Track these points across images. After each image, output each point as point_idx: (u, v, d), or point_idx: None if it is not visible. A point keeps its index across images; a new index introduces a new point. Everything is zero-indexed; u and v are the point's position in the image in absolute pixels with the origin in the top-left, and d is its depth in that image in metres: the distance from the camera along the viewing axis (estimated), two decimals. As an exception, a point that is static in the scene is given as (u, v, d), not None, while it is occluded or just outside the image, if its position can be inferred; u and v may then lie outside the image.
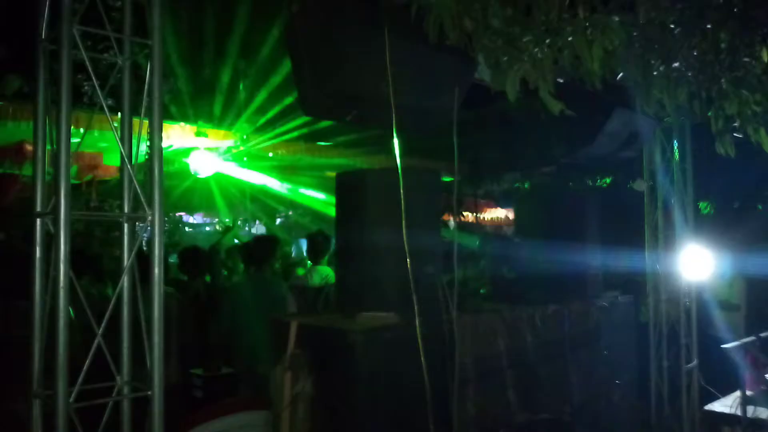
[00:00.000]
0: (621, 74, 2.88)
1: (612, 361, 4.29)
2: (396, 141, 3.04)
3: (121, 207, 2.58)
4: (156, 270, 2.44)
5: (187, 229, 9.02)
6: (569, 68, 2.54)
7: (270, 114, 5.88)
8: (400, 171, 3.02)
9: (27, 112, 4.59)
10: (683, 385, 4.98)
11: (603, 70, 2.67)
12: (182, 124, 5.41)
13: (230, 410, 3.16)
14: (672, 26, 2.91)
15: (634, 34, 2.82)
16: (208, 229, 9.34)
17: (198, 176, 6.15)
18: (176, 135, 5.35)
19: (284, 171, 7.05)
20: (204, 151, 6.01)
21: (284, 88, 5.28)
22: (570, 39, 2.48)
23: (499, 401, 3.48)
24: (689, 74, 3.02)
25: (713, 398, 4.11)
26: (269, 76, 5.44)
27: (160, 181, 2.46)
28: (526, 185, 6.75)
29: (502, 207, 9.17)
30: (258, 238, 5.05)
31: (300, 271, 5.88)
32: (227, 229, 6.41)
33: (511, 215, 8.97)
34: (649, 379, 4.93)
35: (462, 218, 6.83)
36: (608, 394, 4.29)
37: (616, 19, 2.53)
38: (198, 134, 5.74)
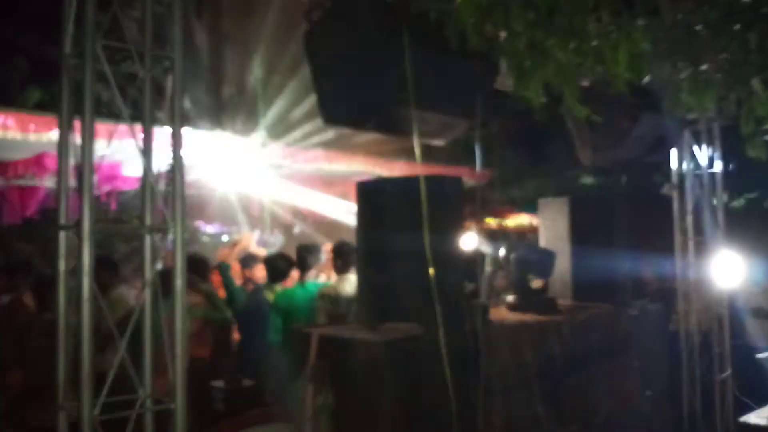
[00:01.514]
0: (648, 77, 2.80)
1: (642, 371, 4.18)
2: (417, 148, 3.01)
3: (140, 218, 2.58)
4: (178, 281, 2.43)
5: (204, 239, 9.06)
6: (594, 72, 2.48)
7: (288, 121, 5.89)
8: (421, 179, 2.98)
9: (46, 124, 4.64)
10: (716, 396, 4.83)
11: (629, 73, 2.61)
12: (203, 132, 5.44)
13: (252, 423, 3.14)
14: (698, 28, 2.83)
15: (660, 36, 2.76)
16: (225, 239, 9.36)
17: (217, 185, 6.17)
18: (194, 144, 5.35)
19: (303, 179, 7.03)
20: (223, 159, 6.02)
21: (303, 95, 5.28)
22: (595, 43, 2.42)
23: (527, 413, 3.40)
24: (718, 76, 2.93)
25: (748, 410, 3.96)
26: (287, 83, 5.45)
27: (182, 193, 2.45)
28: (552, 190, 6.65)
29: (526, 212, 9.05)
30: (304, 246, 4.96)
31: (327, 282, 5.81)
32: (235, 244, 6.21)
33: (534, 221, 8.85)
34: (680, 390, 4.79)
35: (485, 225, 6.76)
36: (638, 405, 4.17)
37: (642, 22, 2.46)
38: (217, 144, 5.76)
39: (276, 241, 7.76)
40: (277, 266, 5.05)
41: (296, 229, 8.40)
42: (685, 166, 5.05)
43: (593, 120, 2.83)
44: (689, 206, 5.03)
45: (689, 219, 5.02)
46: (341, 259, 4.73)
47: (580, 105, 2.48)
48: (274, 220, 7.69)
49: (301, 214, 7.82)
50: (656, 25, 2.61)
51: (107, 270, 4.38)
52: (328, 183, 6.89)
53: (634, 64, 2.58)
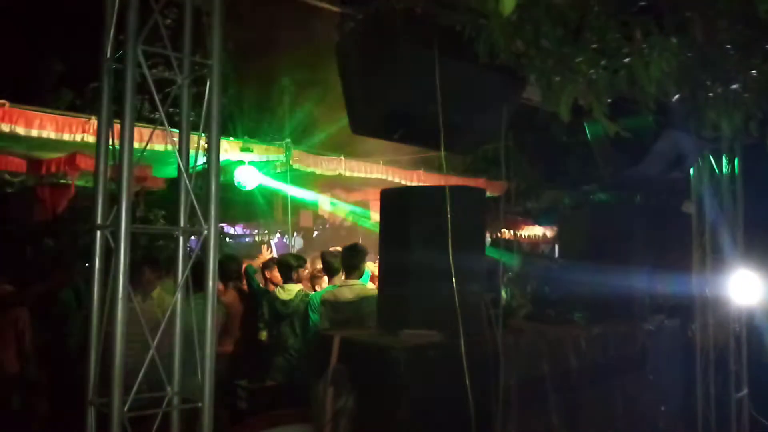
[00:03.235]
0: (677, 96, 2.83)
1: (658, 386, 4.17)
2: (444, 160, 3.06)
3: (166, 218, 2.63)
4: (210, 282, 2.48)
5: (228, 240, 9.17)
6: (625, 90, 2.52)
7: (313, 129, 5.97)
8: (447, 189, 3.03)
9: (79, 125, 4.74)
10: (732, 414, 4.81)
11: (658, 91, 2.64)
12: (231, 139, 5.54)
13: (274, 423, 3.18)
14: (729, 47, 2.86)
15: (689, 55, 2.79)
16: (248, 240, 9.46)
17: (243, 189, 6.26)
18: (222, 149, 5.46)
19: (325, 185, 7.12)
20: (249, 165, 6.14)
21: (328, 104, 5.35)
22: (626, 60, 2.46)
23: (543, 425, 3.42)
24: (746, 95, 2.96)
25: (764, 429, 3.95)
26: (313, 92, 5.53)
27: (216, 195, 2.51)
28: (567, 202, 6.67)
29: (540, 224, 9.07)
30: (349, 247, 4.99)
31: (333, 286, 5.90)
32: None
33: (549, 233, 8.86)
34: (696, 406, 4.78)
35: (501, 235, 6.79)
36: (653, 421, 4.17)
37: (674, 40, 2.50)
38: (243, 149, 5.87)
39: (296, 244, 7.85)
40: (350, 257, 4.99)
41: (315, 233, 8.49)
42: (704, 183, 5.05)
43: (619, 136, 2.87)
44: (708, 223, 5.03)
45: (707, 236, 5.02)
46: (347, 263, 4.75)
47: (610, 121, 2.51)
48: (295, 224, 7.78)
49: (321, 219, 7.91)
50: (688, 42, 2.64)
51: (153, 269, 4.48)
52: (347, 189, 6.97)
53: (664, 82, 2.62)
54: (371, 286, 4.98)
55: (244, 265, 5.56)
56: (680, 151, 4.33)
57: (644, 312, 4.29)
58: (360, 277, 4.81)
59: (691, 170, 5.01)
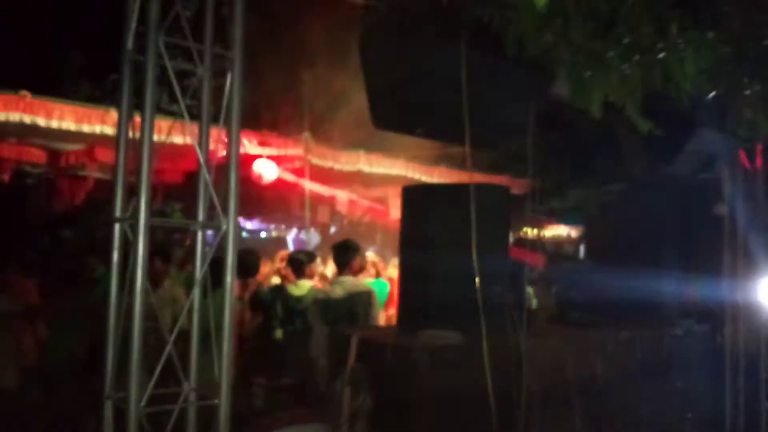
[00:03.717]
0: (712, 93, 2.72)
1: (685, 393, 4.05)
2: (468, 156, 2.98)
3: (183, 211, 2.60)
4: (228, 278, 2.44)
5: (243, 234, 9.19)
6: (659, 86, 2.42)
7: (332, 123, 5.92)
8: (471, 187, 2.95)
9: (99, 117, 4.76)
10: (762, 423, 4.66)
11: (694, 88, 2.54)
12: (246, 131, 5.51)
13: (291, 422, 3.14)
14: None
15: (728, 51, 2.67)
16: (263, 235, 9.46)
17: (261, 183, 6.24)
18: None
19: (342, 180, 7.07)
20: (266, 159, 6.11)
21: (349, 98, 5.30)
22: (661, 56, 2.36)
23: (566, 431, 3.33)
24: (786, 94, 2.84)
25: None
26: (333, 85, 5.47)
27: (236, 190, 2.46)
28: (594, 202, 6.52)
29: (565, 224, 8.90)
30: (341, 244, 4.90)
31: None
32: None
33: (573, 233, 8.70)
34: (724, 415, 4.63)
35: (524, 234, 6.68)
36: (679, 428, 4.05)
37: (711, 35, 2.38)
38: (262, 143, 5.84)
39: (312, 240, 7.82)
40: (342, 253, 4.94)
41: (332, 229, 8.46)
42: (737, 184, 4.89)
43: (651, 133, 2.77)
44: (740, 226, 4.87)
45: (740, 239, 4.86)
46: (339, 260, 4.70)
47: (644, 118, 2.41)
48: (313, 220, 7.76)
49: (338, 215, 7.88)
50: (724, 38, 2.53)
51: (162, 260, 4.50)
52: (367, 185, 6.91)
53: (700, 78, 2.51)
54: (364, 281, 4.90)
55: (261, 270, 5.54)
56: (711, 150, 4.20)
57: (672, 317, 4.17)
58: (356, 273, 4.75)
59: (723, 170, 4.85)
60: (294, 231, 8.74)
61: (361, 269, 4.90)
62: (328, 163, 6.09)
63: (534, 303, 4.15)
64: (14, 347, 4.27)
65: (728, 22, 2.69)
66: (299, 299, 5.00)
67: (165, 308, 4.11)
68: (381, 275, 5.90)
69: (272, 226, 9.03)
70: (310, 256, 5.31)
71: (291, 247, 8.48)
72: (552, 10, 2.60)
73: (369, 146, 6.30)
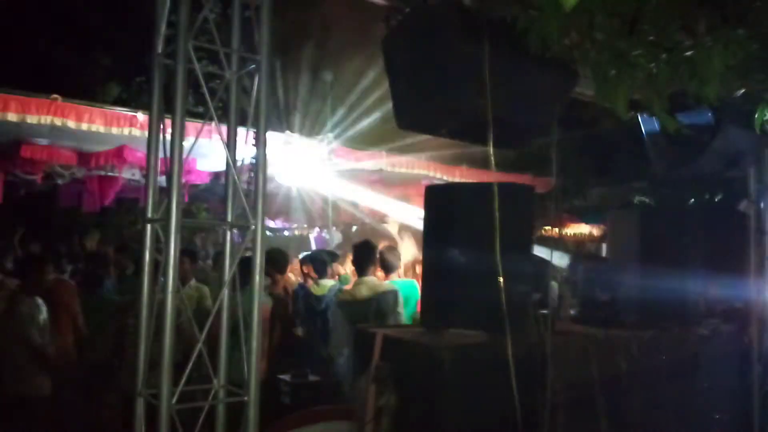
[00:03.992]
0: (742, 91, 2.69)
1: (711, 394, 4.00)
2: (492, 156, 2.99)
3: (207, 210, 2.65)
4: (257, 278, 2.49)
5: (268, 233, 9.29)
6: (687, 85, 2.40)
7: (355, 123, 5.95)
8: (495, 186, 2.96)
9: (127, 119, 4.86)
10: (791, 424, 4.58)
11: (721, 86, 2.51)
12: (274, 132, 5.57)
13: (314, 419, 3.18)
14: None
15: (756, 48, 2.64)
16: (286, 234, 9.53)
17: (283, 183, 6.31)
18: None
19: (364, 180, 7.10)
20: (289, 158, 6.16)
21: (371, 98, 5.33)
22: (688, 54, 2.34)
23: (591, 431, 3.32)
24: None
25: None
26: (356, 86, 5.50)
27: (264, 190, 2.51)
28: (617, 201, 6.48)
29: (587, 222, 8.82)
30: (362, 244, 4.92)
31: (344, 280, 5.87)
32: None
33: (596, 231, 8.62)
34: (751, 416, 4.57)
35: (547, 233, 6.64)
36: (706, 429, 4.00)
37: (741, 32, 2.36)
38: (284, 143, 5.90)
39: (335, 239, 7.87)
40: (364, 253, 4.93)
41: (354, 228, 8.50)
42: (764, 182, 4.81)
43: (677, 132, 2.75)
44: (767, 224, 4.79)
45: (766, 237, 4.78)
46: (360, 261, 4.70)
47: (671, 118, 2.40)
48: (335, 219, 7.81)
49: (360, 215, 7.91)
50: (754, 35, 2.50)
51: (189, 259, 4.59)
52: (388, 185, 6.93)
53: (727, 76, 2.49)
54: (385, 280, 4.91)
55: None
56: (738, 148, 4.14)
57: (698, 316, 4.12)
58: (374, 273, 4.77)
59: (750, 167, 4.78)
60: (316, 230, 8.79)
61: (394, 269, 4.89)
62: (350, 163, 6.13)
63: (558, 302, 4.13)
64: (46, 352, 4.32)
65: (757, 18, 2.65)
66: (320, 299, 5.05)
67: (190, 307, 4.19)
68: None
69: (295, 225, 9.09)
70: (333, 256, 5.36)
71: (313, 246, 8.54)
72: (576, 7, 2.60)
73: (391, 146, 6.32)
